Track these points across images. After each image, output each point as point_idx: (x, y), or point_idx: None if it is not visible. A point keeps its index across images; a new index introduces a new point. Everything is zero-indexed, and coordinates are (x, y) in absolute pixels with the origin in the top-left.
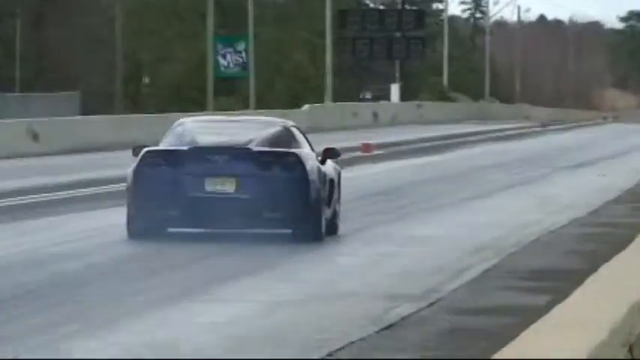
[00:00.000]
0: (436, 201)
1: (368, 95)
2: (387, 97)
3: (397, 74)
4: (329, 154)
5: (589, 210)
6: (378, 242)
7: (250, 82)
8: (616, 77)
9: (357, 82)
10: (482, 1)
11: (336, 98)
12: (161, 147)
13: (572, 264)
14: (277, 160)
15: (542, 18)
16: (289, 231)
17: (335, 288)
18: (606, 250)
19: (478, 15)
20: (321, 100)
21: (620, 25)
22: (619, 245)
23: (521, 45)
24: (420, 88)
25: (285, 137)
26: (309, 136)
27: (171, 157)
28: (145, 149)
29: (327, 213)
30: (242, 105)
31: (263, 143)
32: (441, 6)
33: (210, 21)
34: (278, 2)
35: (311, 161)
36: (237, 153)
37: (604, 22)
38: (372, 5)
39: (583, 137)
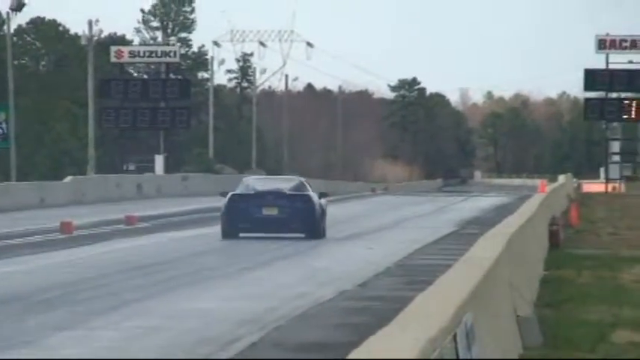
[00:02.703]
0: (203, 273)
1: (132, 166)
2: (151, 168)
3: (162, 145)
4: (323, 195)
5: (357, 283)
6: (141, 316)
7: (11, 153)
8: (386, 148)
9: (121, 152)
10: (249, 70)
11: (99, 169)
12: (238, 192)
13: (338, 337)
14: (298, 197)
15: (310, 87)
16: (303, 235)
17: None
18: (373, 323)
19: (245, 84)
20: (83, 172)
21: (391, 95)
22: (385, 318)
23: (290, 115)
24: (185, 160)
25: (301, 185)
26: (72, 209)
27: (244, 197)
28: (231, 193)
29: (323, 225)
30: (2, 176)
31: (290, 189)
32: (206, 75)
33: None
34: (40, 71)
35: (315, 198)
36: (278, 194)
37: (374, 91)
38: (135, 74)
39: (352, 209)
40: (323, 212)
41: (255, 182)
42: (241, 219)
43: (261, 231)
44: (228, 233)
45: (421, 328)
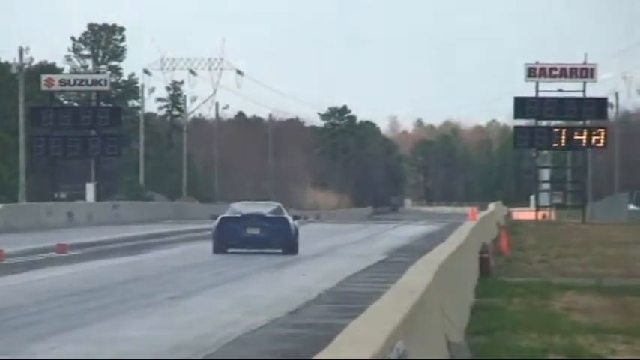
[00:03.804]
0: (135, 301)
1: (63, 194)
2: (82, 196)
3: (93, 173)
4: (296, 217)
5: (289, 310)
6: (75, 342)
7: None
8: (316, 176)
9: (51, 181)
10: (180, 98)
11: (30, 197)
12: (226, 215)
13: None
14: (276, 220)
15: (241, 115)
16: (280, 251)
17: None
18: (304, 350)
19: (175, 112)
20: (14, 200)
21: (321, 123)
22: (317, 345)
23: (220, 143)
24: (116, 188)
25: (279, 210)
26: (2, 237)
27: (231, 219)
28: (220, 216)
29: (297, 242)
30: None
31: (270, 212)
32: (137, 103)
33: None
34: None
35: (290, 220)
36: (260, 216)
37: (304, 120)
38: (66, 102)
39: None
40: (296, 231)
41: (241, 207)
42: (229, 237)
43: (245, 247)
44: (219, 249)
45: (353, 355)
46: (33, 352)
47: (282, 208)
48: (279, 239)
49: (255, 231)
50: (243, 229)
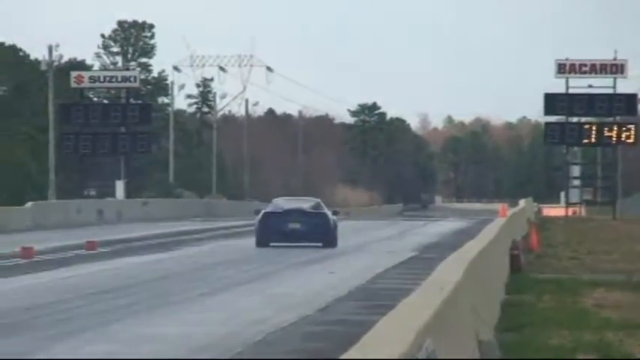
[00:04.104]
0: (165, 298)
1: (92, 192)
2: (112, 193)
3: (122, 170)
4: (335, 212)
5: (318, 307)
6: (102, 341)
7: None
8: (346, 173)
9: (81, 178)
10: (209, 95)
11: (59, 195)
12: (269, 210)
13: None
14: (316, 214)
15: (271, 112)
16: (321, 244)
17: None
18: (334, 348)
19: (205, 109)
20: (44, 197)
21: (351, 120)
22: (346, 343)
23: (250, 140)
24: (145, 185)
25: (318, 205)
26: (32, 234)
27: (274, 214)
28: (263, 211)
29: (336, 235)
30: None
31: (310, 207)
32: (167, 100)
33: None
34: None
35: (329, 214)
36: (300, 211)
37: (334, 116)
38: (95, 99)
39: None
40: (335, 225)
41: (283, 202)
42: (272, 231)
43: (287, 241)
44: (262, 243)
45: (382, 354)
46: (55, 352)
47: (322, 204)
48: (319, 233)
49: (297, 225)
50: (285, 223)
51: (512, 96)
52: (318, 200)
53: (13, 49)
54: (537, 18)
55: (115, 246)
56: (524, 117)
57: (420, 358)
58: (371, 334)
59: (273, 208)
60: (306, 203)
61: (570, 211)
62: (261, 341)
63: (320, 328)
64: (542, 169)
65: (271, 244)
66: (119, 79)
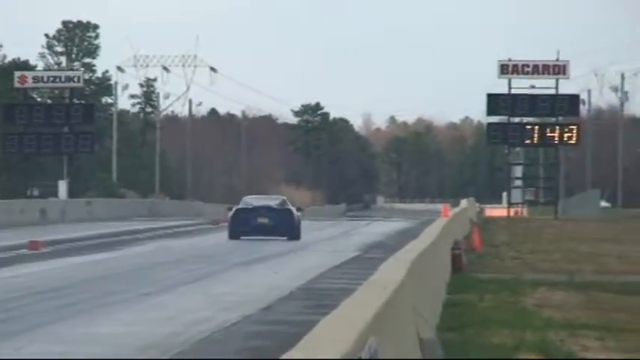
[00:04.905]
0: (108, 298)
1: (36, 192)
2: (55, 193)
3: (65, 170)
4: (299, 209)
5: (261, 307)
6: (47, 342)
7: None
8: (290, 173)
9: (24, 178)
10: (153, 95)
11: (3, 195)
12: (240, 206)
13: None
14: (283, 210)
15: (214, 112)
16: (286, 237)
17: None
18: (277, 347)
19: (149, 109)
20: None
21: (294, 120)
22: (289, 342)
23: (193, 140)
24: (89, 185)
25: (284, 202)
26: None
27: (244, 210)
28: (235, 207)
29: (299, 230)
30: None
31: (277, 205)
32: (110, 100)
33: None
34: None
35: (294, 210)
36: (268, 208)
37: (277, 117)
38: (39, 99)
39: None
40: (299, 221)
41: (252, 200)
42: (243, 225)
43: (256, 234)
44: (234, 236)
45: (325, 353)
46: None
47: (287, 201)
48: (285, 228)
49: (265, 220)
50: (255, 218)
51: (455, 96)
52: (284, 198)
53: None
54: (481, 18)
55: (58, 246)
56: (468, 117)
57: (363, 357)
58: (313, 332)
59: (243, 204)
60: (273, 201)
61: (512, 211)
62: (204, 340)
63: (263, 328)
64: (485, 169)
65: (242, 237)
66: (63, 80)
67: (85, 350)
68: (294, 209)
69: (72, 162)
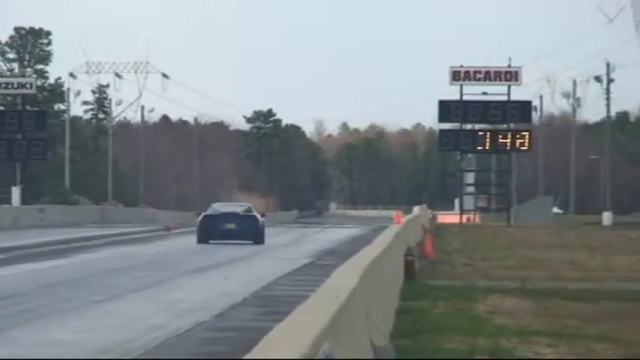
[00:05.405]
0: (60, 305)
1: None
2: (7, 200)
3: (18, 176)
4: (263, 215)
5: (214, 313)
6: (3, 346)
7: None
8: (242, 179)
9: None
10: (105, 102)
11: None
12: (208, 213)
13: None
14: (248, 216)
15: (166, 118)
16: (252, 241)
17: None
18: (231, 353)
19: (101, 116)
20: None
21: (246, 126)
22: (243, 348)
23: (146, 146)
24: (42, 191)
25: (250, 209)
26: None
27: (212, 216)
28: (203, 214)
29: (264, 235)
30: None
31: (243, 211)
32: (63, 106)
33: None
34: None
35: (259, 216)
36: (235, 214)
37: (230, 123)
38: None
39: None
40: (264, 226)
41: (219, 206)
42: (211, 230)
43: (223, 239)
44: (202, 240)
45: (279, 358)
46: None
47: (252, 208)
48: (250, 232)
49: (232, 225)
50: (222, 224)
51: (407, 103)
52: (250, 205)
53: None
54: (433, 24)
55: (10, 253)
56: (419, 124)
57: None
58: (267, 338)
59: (211, 211)
60: (239, 207)
61: (465, 218)
62: (158, 346)
63: (216, 334)
64: (437, 176)
65: (210, 241)
66: (15, 86)
67: (40, 354)
68: (259, 215)
69: (25, 169)
